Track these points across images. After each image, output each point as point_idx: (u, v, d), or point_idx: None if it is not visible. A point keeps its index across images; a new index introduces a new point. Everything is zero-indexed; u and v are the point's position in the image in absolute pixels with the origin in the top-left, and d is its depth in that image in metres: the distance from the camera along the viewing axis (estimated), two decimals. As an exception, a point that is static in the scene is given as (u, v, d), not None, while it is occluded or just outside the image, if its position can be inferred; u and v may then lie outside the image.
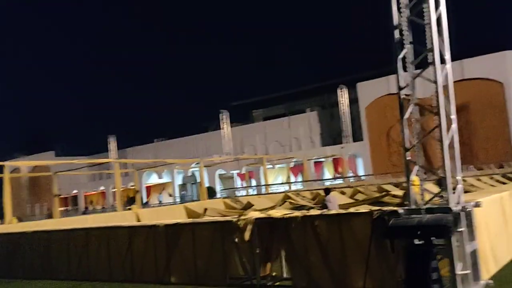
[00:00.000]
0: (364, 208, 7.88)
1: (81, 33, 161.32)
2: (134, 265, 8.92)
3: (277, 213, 8.22)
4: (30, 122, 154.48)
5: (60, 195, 55.58)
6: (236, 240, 7.89)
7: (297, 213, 7.86)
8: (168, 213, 20.84)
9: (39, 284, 11.13)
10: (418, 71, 6.84)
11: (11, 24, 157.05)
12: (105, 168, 46.61)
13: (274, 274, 7.98)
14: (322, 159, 44.42)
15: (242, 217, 7.96)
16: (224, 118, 49.18)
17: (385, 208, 7.19)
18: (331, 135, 46.62)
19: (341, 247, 6.96)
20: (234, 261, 8.01)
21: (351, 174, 42.20)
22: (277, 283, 7.86)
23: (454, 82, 6.89)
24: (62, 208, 51.96)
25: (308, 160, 41.24)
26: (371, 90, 41.19)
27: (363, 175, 40.10)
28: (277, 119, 50.86)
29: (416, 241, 6.28)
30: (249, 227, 7.81)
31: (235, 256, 7.99)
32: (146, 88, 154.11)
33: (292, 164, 44.72)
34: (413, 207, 6.55)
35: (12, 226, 16.22)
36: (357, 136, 43.37)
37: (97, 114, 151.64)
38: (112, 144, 46.34)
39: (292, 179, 43.36)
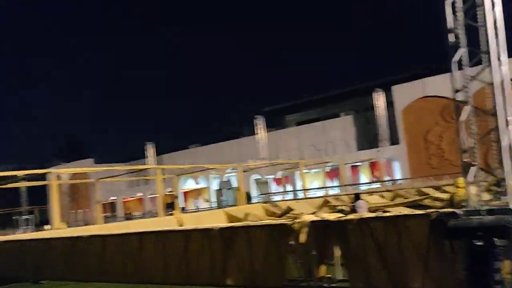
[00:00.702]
0: (419, 210, 7.92)
1: (117, 43, 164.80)
2: (190, 268, 9.19)
3: (331, 216, 8.36)
4: (69, 130, 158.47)
5: (98, 202, 56.89)
6: (292, 242, 8.06)
7: (352, 216, 7.99)
8: (209, 218, 21.18)
9: (97, 285, 11.60)
10: (472, 72, 6.89)
11: (51, 37, 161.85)
12: (142, 175, 47.49)
13: (329, 276, 8.11)
14: (359, 163, 44.14)
15: (297, 220, 8.14)
16: (259, 124, 49.49)
17: (442, 210, 7.24)
18: (367, 138, 46.29)
19: (398, 248, 7.05)
20: (290, 263, 8.18)
21: (388, 178, 41.81)
22: (333, 285, 7.99)
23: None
24: (102, 215, 53.13)
25: (345, 164, 41.08)
26: (407, 93, 40.78)
27: (401, 179, 39.67)
28: (312, 123, 50.84)
29: (477, 242, 6.33)
30: (305, 229, 7.98)
31: (291, 258, 8.16)
32: (181, 94, 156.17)
33: (327, 169, 44.60)
34: (472, 208, 6.58)
35: (63, 230, 16.85)
36: (393, 140, 42.96)
37: (134, 121, 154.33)
38: (150, 150, 47.24)
39: (328, 183, 43.24)
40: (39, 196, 55.19)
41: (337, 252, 7.99)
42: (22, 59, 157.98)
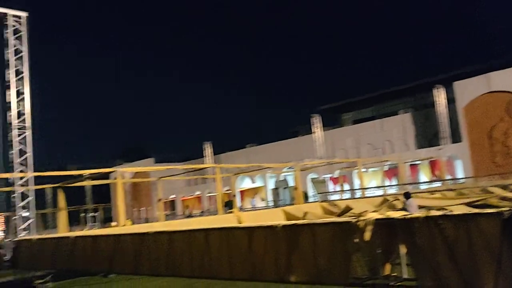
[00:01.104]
0: (490, 209, 7.69)
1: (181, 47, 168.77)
2: (254, 264, 9.36)
3: (395, 213, 8.29)
4: (129, 130, 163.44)
5: (160, 200, 58.47)
6: (357, 240, 8.06)
7: (418, 214, 7.88)
8: (267, 216, 21.37)
9: (163, 280, 12.03)
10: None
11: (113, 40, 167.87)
12: (200, 174, 48.43)
13: (395, 274, 8.04)
14: (418, 162, 43.05)
15: (362, 218, 8.12)
16: (316, 122, 49.27)
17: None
18: (426, 137, 45.05)
19: (469, 247, 6.89)
20: (355, 261, 8.18)
21: (449, 177, 40.52)
22: (399, 283, 7.92)
23: None
24: (162, 212, 54.62)
25: (404, 163, 40.20)
26: (470, 88, 39.35)
27: (464, 178, 38.36)
28: (369, 121, 50.04)
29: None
30: (369, 227, 7.95)
31: (356, 256, 8.16)
32: (238, 94, 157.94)
33: (386, 168, 43.79)
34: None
35: (129, 227, 17.57)
36: (454, 137, 41.58)
37: (192, 121, 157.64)
38: (208, 150, 48.11)
39: (386, 182, 42.46)
40: (101, 194, 57.50)
41: (403, 250, 7.91)
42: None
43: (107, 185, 56.65)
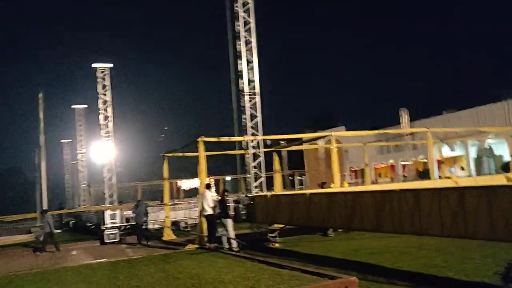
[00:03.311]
0: None
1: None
2: (467, 223, 8.97)
3: None
4: (319, 98, 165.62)
5: (352, 168, 58.82)
6: None
7: None
8: (486, 182, 19.91)
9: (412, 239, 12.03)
10: None
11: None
12: (393, 141, 47.17)
13: None
14: None
15: None
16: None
17: None
18: None
19: None
20: None
21: None
22: None
23: None
24: (354, 181, 54.95)
25: None
26: None
27: None
28: None
29: None
30: None
31: None
32: (430, 58, 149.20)
33: None
34: None
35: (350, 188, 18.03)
36: None
37: (387, 88, 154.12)
38: (404, 117, 46.53)
39: None
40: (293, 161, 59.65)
41: None
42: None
43: (299, 152, 58.89)
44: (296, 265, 11.60)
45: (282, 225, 16.58)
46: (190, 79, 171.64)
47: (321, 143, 46.18)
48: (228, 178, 53.66)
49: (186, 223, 26.12)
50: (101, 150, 24.85)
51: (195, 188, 45.22)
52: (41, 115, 26.92)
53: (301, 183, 41.91)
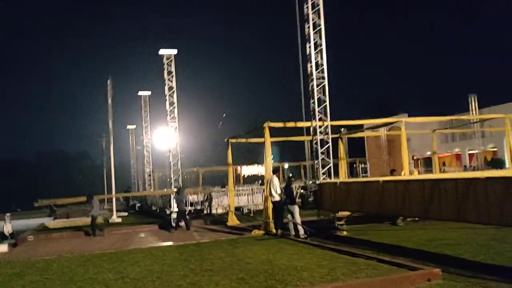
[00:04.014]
0: None
1: None
2: None
3: None
4: (379, 86, 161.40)
5: (414, 157, 57.04)
6: None
7: None
8: None
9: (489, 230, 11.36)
10: None
11: None
12: (461, 129, 45.14)
13: None
14: None
15: None
16: None
17: None
18: None
19: None
20: None
21: None
22: None
23: None
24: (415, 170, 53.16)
25: None
26: None
27: None
28: None
29: None
30: None
31: None
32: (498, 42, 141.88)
33: None
34: None
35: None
36: None
37: (454, 73, 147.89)
38: (473, 103, 44.38)
39: None
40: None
41: None
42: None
43: (358, 140, 57.75)
44: (370, 254, 11.26)
45: (349, 213, 16.21)
46: (251, 65, 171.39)
47: (383, 131, 45.07)
48: (286, 165, 53.47)
49: (248, 208, 26.20)
50: (165, 136, 25.27)
51: (254, 175, 45.41)
52: (109, 101, 27.67)
53: (365, 171, 41.09)
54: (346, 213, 16.23)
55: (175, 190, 23.13)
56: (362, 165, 43.46)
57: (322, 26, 16.87)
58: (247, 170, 46.86)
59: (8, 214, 21.97)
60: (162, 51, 24.37)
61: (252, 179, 42.76)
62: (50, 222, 27.15)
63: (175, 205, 22.16)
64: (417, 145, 57.83)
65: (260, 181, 33.73)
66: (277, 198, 16.30)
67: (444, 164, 58.06)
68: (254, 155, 68.56)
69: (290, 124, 18.35)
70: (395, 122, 22.53)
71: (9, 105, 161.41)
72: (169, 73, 24.38)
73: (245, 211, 25.82)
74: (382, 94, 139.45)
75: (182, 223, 21.27)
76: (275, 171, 16.91)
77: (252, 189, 27.69)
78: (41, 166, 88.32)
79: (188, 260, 12.14)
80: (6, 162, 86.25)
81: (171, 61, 24.52)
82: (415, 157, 58.55)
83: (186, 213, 22.55)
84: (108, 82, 27.78)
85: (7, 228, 21.45)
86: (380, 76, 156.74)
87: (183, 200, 22.00)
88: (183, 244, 15.56)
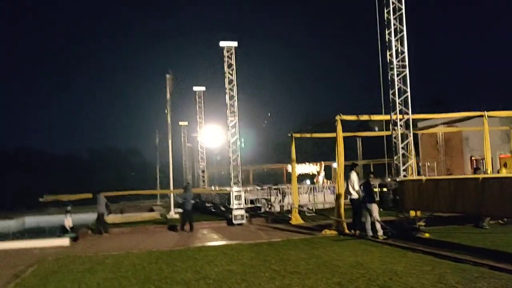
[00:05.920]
0: None
1: None
2: None
3: None
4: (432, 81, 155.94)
5: (472, 157, 54.38)
6: None
7: None
8: None
9: None
10: None
11: None
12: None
13: None
14: None
15: None
16: None
17: None
18: None
19: None
20: None
21: None
22: None
23: None
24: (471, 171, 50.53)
25: None
26: None
27: None
28: None
29: None
30: None
31: None
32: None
33: None
34: None
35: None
36: None
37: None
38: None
39: None
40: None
41: None
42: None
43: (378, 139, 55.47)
44: (474, 259, 9.97)
45: (429, 213, 14.93)
46: (313, 53, 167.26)
47: (441, 128, 42.97)
48: (334, 165, 51.84)
49: (308, 208, 25.14)
50: (221, 131, 24.47)
51: (304, 174, 44.12)
52: (168, 95, 27.14)
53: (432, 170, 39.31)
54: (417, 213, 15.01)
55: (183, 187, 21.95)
56: (429, 163, 41.45)
57: (403, 10, 15.61)
58: (299, 169, 45.71)
59: (69, 207, 21.74)
60: (222, 43, 23.56)
61: (301, 178, 41.62)
62: (106, 218, 26.89)
63: (184, 204, 20.62)
64: (476, 145, 55.04)
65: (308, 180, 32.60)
66: (354, 195, 15.15)
67: (505, 165, 55.07)
68: (303, 154, 67.17)
69: (364, 117, 17.17)
70: (473, 117, 20.80)
71: (64, 103, 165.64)
72: (229, 65, 23.56)
73: (307, 210, 24.70)
74: (437, 90, 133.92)
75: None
76: (354, 166, 15.71)
77: (311, 188, 26.65)
78: (94, 162, 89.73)
79: (267, 261, 11.21)
80: (61, 158, 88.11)
81: (231, 53, 23.69)
82: (473, 157, 55.75)
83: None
84: (167, 76, 27.21)
85: (68, 221, 21.22)
86: (437, 71, 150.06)
87: (190, 200, 20.54)
88: (255, 243, 14.65)
